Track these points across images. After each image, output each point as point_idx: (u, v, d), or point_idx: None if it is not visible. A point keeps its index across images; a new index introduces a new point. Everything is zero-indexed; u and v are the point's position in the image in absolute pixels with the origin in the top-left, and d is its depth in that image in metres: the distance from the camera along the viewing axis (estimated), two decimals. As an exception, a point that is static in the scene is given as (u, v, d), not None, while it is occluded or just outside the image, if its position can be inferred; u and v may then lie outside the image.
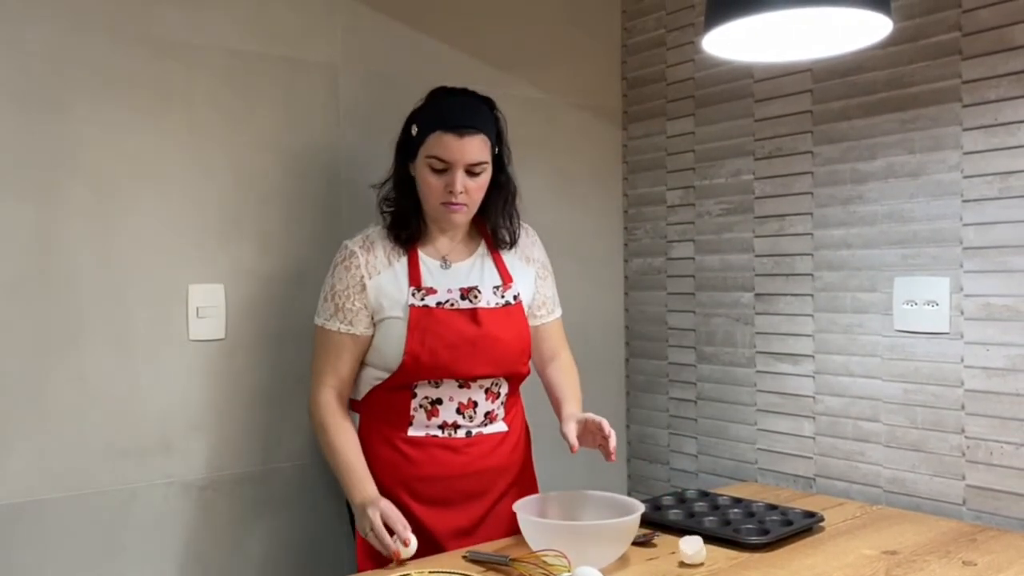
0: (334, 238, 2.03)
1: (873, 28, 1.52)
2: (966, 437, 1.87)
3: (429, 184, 1.68)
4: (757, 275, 2.25)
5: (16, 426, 1.67)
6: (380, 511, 1.58)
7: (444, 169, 1.66)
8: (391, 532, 1.56)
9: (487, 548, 1.62)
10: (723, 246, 2.33)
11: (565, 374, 1.88)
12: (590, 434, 1.70)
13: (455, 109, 1.68)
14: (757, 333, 2.26)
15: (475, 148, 1.66)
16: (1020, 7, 1.78)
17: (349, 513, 1.80)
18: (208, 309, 1.87)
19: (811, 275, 2.14)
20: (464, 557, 1.57)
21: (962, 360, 1.87)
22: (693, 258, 2.40)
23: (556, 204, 2.41)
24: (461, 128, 1.65)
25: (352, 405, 1.79)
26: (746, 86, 2.26)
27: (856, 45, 1.61)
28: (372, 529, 1.57)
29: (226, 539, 1.91)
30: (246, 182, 1.92)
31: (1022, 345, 1.78)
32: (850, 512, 1.90)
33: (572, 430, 1.68)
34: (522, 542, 1.57)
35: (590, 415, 1.69)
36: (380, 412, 1.74)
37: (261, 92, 1.93)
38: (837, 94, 2.07)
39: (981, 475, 1.85)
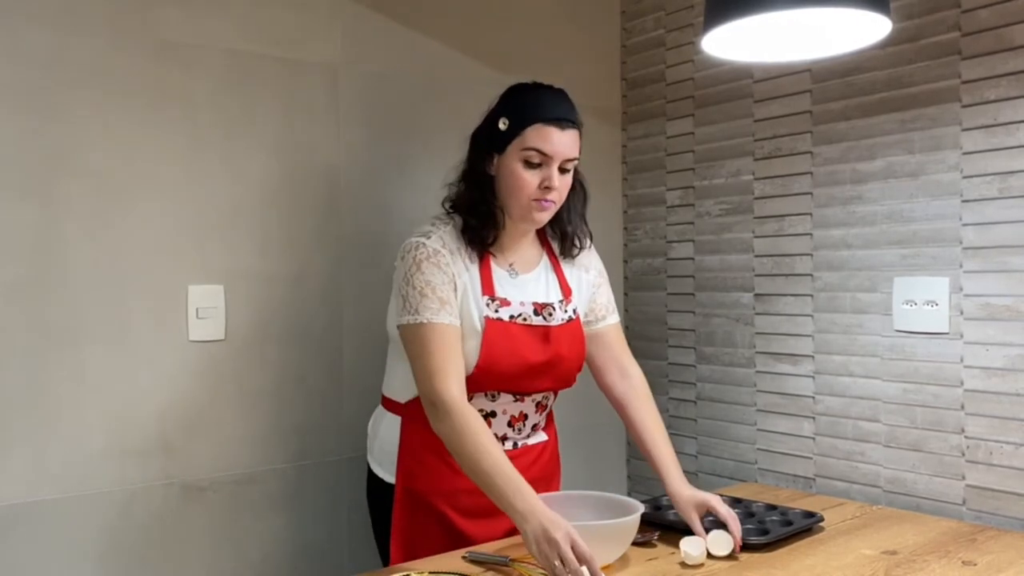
0: (334, 239, 2.03)
1: (872, 28, 1.52)
2: (966, 437, 1.87)
3: (522, 179, 1.61)
4: (757, 275, 2.25)
5: (16, 427, 1.67)
6: (571, 537, 1.37)
7: (540, 163, 1.61)
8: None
9: (487, 548, 1.62)
10: (723, 246, 2.33)
11: (652, 416, 1.78)
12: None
13: (554, 101, 1.64)
14: (757, 333, 2.26)
15: (573, 142, 1.63)
16: (1019, 7, 1.78)
17: (372, 512, 1.79)
18: (208, 310, 1.87)
19: (811, 275, 2.14)
20: (464, 558, 1.56)
21: (962, 360, 1.87)
22: (693, 258, 2.40)
23: (556, 204, 2.41)
24: (563, 120, 1.61)
25: (394, 407, 1.74)
26: (745, 86, 2.26)
27: (855, 45, 1.61)
28: (560, 557, 1.36)
29: (226, 540, 1.91)
30: (246, 183, 1.92)
31: (1022, 345, 1.78)
32: (850, 512, 1.90)
33: (695, 521, 1.61)
34: (522, 543, 1.57)
35: (722, 510, 1.60)
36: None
37: (261, 93, 1.94)
38: (836, 94, 2.07)
39: (981, 475, 1.85)
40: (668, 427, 2.47)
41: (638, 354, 2.56)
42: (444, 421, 1.54)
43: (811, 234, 2.13)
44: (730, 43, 1.60)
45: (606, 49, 2.56)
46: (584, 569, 1.35)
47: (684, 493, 1.66)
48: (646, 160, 2.53)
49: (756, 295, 2.26)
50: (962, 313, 1.87)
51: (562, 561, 1.35)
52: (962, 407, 1.87)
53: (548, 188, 1.61)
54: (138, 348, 1.79)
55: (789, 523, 1.74)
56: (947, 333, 1.89)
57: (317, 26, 2.01)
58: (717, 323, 2.35)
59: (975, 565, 1.55)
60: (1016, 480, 1.80)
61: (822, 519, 1.78)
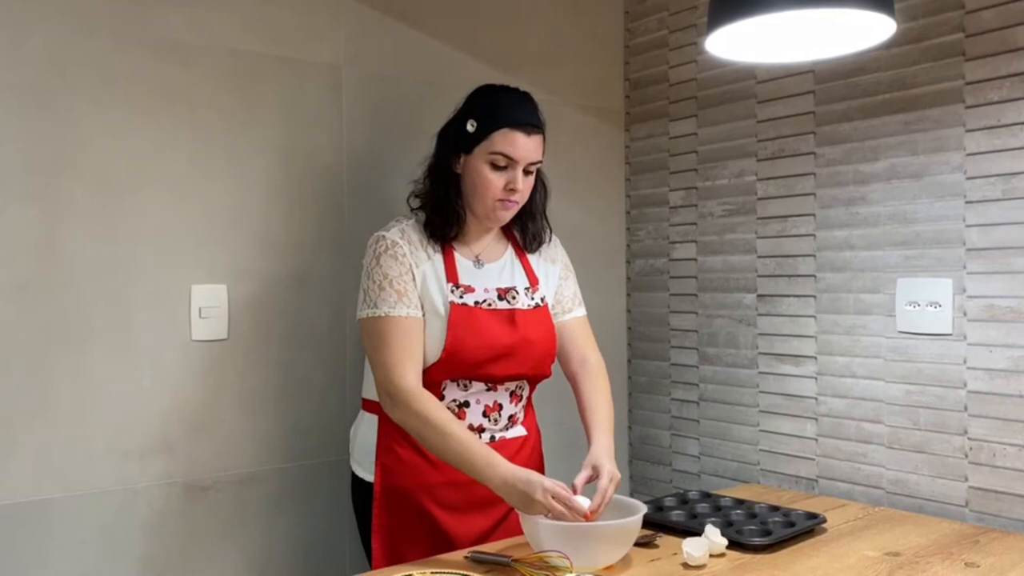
0: (336, 239, 2.03)
1: (876, 29, 1.52)
2: (969, 439, 1.87)
3: (487, 180, 1.66)
4: (759, 276, 2.25)
5: (19, 426, 1.67)
6: (547, 490, 1.49)
7: (506, 166, 1.66)
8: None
9: (490, 548, 1.62)
10: (725, 247, 2.33)
11: (598, 391, 1.79)
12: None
13: (521, 107, 1.68)
14: (759, 334, 2.25)
15: (537, 146, 1.68)
16: (1023, 8, 1.77)
17: (357, 514, 1.80)
18: (211, 310, 1.87)
19: (814, 276, 2.13)
20: (466, 557, 1.56)
21: (965, 362, 1.87)
22: (695, 259, 2.40)
23: (559, 205, 2.39)
24: (529, 126, 1.66)
25: (372, 407, 1.75)
26: (749, 87, 2.26)
27: (859, 46, 1.61)
28: (554, 498, 1.49)
29: (228, 540, 1.91)
30: (248, 183, 1.92)
31: (1025, 347, 1.78)
32: (852, 514, 1.90)
33: (581, 479, 1.60)
34: (524, 543, 1.57)
35: (604, 474, 1.60)
36: None
37: (264, 93, 1.94)
38: (840, 95, 2.07)
39: (984, 477, 1.85)
40: (670, 428, 2.49)
41: (640, 355, 2.57)
42: (401, 408, 1.61)
43: (814, 235, 2.13)
44: (734, 44, 1.60)
45: (609, 50, 2.56)
46: (576, 504, 1.49)
47: (594, 452, 1.66)
48: (649, 161, 2.53)
49: (759, 296, 2.26)
50: (965, 315, 1.87)
51: (554, 511, 1.49)
52: (965, 409, 1.87)
53: (513, 190, 1.67)
54: (141, 348, 1.79)
55: (792, 524, 1.73)
56: (950, 334, 1.89)
57: (320, 26, 2.01)
58: (720, 324, 2.35)
59: (978, 567, 1.55)
60: (1019, 482, 1.80)
61: (825, 520, 1.78)
